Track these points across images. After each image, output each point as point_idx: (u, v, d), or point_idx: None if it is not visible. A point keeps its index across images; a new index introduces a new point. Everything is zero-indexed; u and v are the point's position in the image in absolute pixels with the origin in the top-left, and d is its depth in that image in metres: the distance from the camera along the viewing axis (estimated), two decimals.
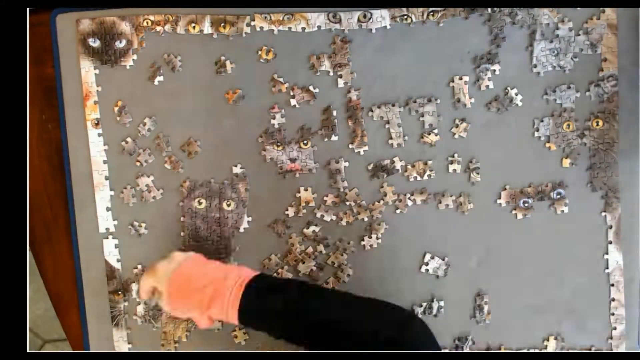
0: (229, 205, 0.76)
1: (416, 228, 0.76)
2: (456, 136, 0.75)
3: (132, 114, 0.75)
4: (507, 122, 0.75)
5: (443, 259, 0.77)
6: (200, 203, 0.76)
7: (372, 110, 0.75)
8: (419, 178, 0.76)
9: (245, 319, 0.61)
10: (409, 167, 0.75)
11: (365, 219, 0.76)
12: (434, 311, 0.77)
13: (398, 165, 0.75)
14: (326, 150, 0.76)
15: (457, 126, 0.75)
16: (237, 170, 0.76)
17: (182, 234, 0.77)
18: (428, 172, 0.75)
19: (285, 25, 0.74)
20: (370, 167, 0.76)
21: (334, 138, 0.75)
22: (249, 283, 0.62)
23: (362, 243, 0.76)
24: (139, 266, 0.77)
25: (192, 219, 0.76)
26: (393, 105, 0.75)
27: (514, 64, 0.74)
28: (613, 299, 0.77)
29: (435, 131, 0.75)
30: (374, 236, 0.76)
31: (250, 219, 0.76)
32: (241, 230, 0.77)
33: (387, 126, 0.75)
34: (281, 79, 0.75)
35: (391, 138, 0.75)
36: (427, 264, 0.77)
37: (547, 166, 0.76)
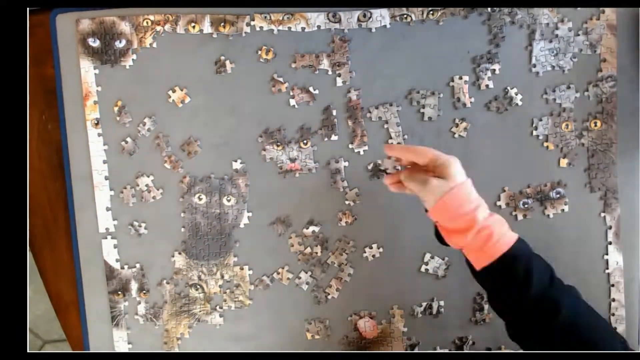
0: (229, 200, 0.76)
1: (416, 228, 0.76)
2: (456, 136, 0.75)
3: (132, 114, 0.76)
4: (507, 121, 0.75)
5: (443, 259, 0.77)
6: (200, 199, 0.76)
7: (370, 112, 0.75)
8: None
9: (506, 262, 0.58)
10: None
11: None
12: (434, 311, 0.77)
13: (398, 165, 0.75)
14: (326, 150, 0.76)
15: (457, 126, 0.75)
16: (237, 165, 0.76)
17: (182, 229, 0.77)
18: None
19: (285, 25, 0.74)
20: (370, 167, 0.76)
21: (334, 138, 0.75)
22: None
23: (364, 255, 0.76)
24: (138, 265, 0.77)
25: (192, 214, 0.76)
26: (391, 105, 0.75)
27: (514, 64, 0.75)
28: (613, 300, 0.77)
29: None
30: (374, 246, 0.76)
31: (250, 214, 0.76)
32: (241, 225, 0.77)
33: (385, 126, 0.75)
34: (281, 79, 0.75)
35: (390, 138, 0.75)
36: (427, 264, 0.77)
37: (546, 166, 0.76)
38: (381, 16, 0.74)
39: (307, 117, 0.75)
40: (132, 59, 0.75)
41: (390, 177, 0.65)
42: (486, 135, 0.75)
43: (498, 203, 0.76)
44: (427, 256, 0.77)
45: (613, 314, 0.77)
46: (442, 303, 0.77)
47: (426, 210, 0.63)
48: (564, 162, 0.76)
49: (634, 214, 0.76)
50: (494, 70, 0.74)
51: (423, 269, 0.77)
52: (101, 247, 0.77)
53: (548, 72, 0.75)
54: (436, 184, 0.59)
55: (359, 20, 0.74)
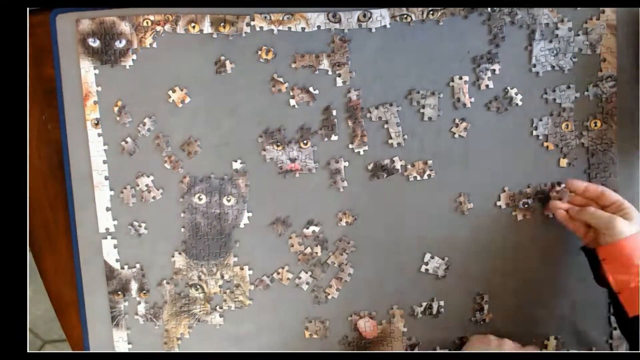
0: (229, 200, 0.76)
1: (416, 228, 0.76)
2: (456, 136, 0.75)
3: (132, 114, 0.76)
4: (507, 121, 0.75)
5: (443, 259, 0.77)
6: (200, 199, 0.76)
7: (370, 112, 0.75)
8: (418, 178, 0.76)
9: None
10: (409, 166, 0.75)
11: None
12: (434, 311, 0.77)
13: (398, 165, 0.75)
14: (326, 150, 0.76)
15: (457, 126, 0.75)
16: (237, 165, 0.76)
17: (182, 229, 0.77)
18: (428, 172, 0.76)
19: (285, 25, 0.74)
20: (370, 167, 0.76)
21: (334, 138, 0.75)
22: None
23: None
24: (138, 265, 0.77)
25: (192, 214, 0.76)
26: (391, 105, 0.75)
27: (514, 64, 0.75)
28: None
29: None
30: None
31: (250, 214, 0.76)
32: (241, 225, 0.77)
33: (385, 126, 0.75)
34: (281, 79, 0.75)
35: (390, 138, 0.75)
36: (427, 264, 0.77)
37: (545, 166, 0.76)
38: (381, 16, 0.74)
39: (307, 117, 0.75)
40: (132, 59, 0.75)
41: (562, 210, 0.71)
42: (486, 135, 0.75)
43: (498, 203, 0.76)
44: (427, 256, 0.77)
45: (613, 314, 0.77)
46: (442, 303, 0.77)
47: (584, 249, 0.69)
48: (564, 162, 0.76)
49: None
50: (494, 70, 0.74)
51: (423, 269, 0.77)
52: (101, 247, 0.77)
53: (548, 72, 0.75)
54: (624, 223, 0.64)
55: (359, 20, 0.74)
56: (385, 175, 0.76)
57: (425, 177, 0.76)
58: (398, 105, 0.75)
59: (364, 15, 0.74)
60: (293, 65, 0.74)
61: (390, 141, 0.75)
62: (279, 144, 0.75)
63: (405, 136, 0.75)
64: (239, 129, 0.76)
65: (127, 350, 0.78)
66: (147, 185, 0.76)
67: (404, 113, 0.75)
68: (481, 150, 0.76)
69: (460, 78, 0.75)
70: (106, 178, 0.76)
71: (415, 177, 0.76)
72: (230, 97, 0.75)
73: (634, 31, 0.73)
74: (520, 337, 0.77)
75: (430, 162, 0.75)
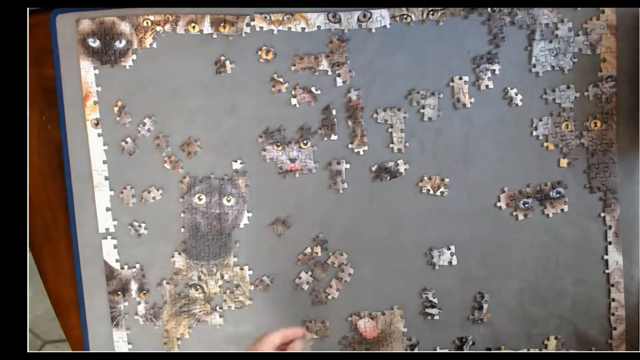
0: (229, 200, 0.76)
1: (417, 228, 0.76)
2: (456, 136, 0.75)
3: (131, 114, 0.76)
4: (507, 121, 0.75)
5: (443, 259, 0.77)
6: (200, 199, 0.76)
7: (377, 113, 0.75)
8: (431, 192, 0.75)
9: None
10: (426, 178, 0.75)
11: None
12: (434, 311, 0.77)
13: (402, 168, 0.75)
14: (326, 150, 0.76)
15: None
16: (237, 165, 0.76)
17: (182, 229, 0.77)
18: (442, 189, 0.75)
19: (285, 25, 0.74)
20: (374, 169, 0.76)
21: (334, 137, 0.75)
22: None
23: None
24: (138, 265, 0.77)
25: (192, 214, 0.76)
26: (399, 109, 0.75)
27: (514, 64, 0.75)
28: (613, 300, 0.77)
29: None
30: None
31: (250, 214, 0.76)
32: (241, 226, 0.77)
33: (390, 130, 0.75)
34: (281, 79, 0.75)
35: (392, 142, 0.75)
36: (427, 264, 0.77)
37: (545, 166, 0.76)
38: (381, 16, 0.74)
39: (307, 117, 0.75)
40: (132, 59, 0.75)
41: None
42: (486, 135, 0.75)
43: (498, 204, 0.76)
44: (428, 256, 0.77)
45: (613, 314, 0.77)
46: (442, 303, 0.77)
47: None
48: (564, 162, 0.76)
49: (634, 214, 0.76)
50: (494, 70, 0.74)
51: (424, 268, 0.77)
52: (101, 247, 0.77)
53: (548, 72, 0.75)
54: None
55: (359, 20, 0.74)
56: (388, 178, 0.76)
57: (438, 193, 0.75)
58: (405, 112, 0.75)
59: (364, 16, 0.74)
60: (292, 68, 0.74)
61: (391, 145, 0.75)
62: (279, 144, 0.75)
63: (407, 143, 0.75)
64: (239, 129, 0.76)
65: (127, 350, 0.78)
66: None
67: (406, 113, 0.75)
68: (481, 150, 0.76)
69: (460, 78, 0.75)
70: (106, 178, 0.76)
71: (427, 191, 0.75)
72: (230, 97, 0.75)
73: (634, 31, 0.73)
74: (520, 337, 0.77)
75: (447, 180, 0.75)
